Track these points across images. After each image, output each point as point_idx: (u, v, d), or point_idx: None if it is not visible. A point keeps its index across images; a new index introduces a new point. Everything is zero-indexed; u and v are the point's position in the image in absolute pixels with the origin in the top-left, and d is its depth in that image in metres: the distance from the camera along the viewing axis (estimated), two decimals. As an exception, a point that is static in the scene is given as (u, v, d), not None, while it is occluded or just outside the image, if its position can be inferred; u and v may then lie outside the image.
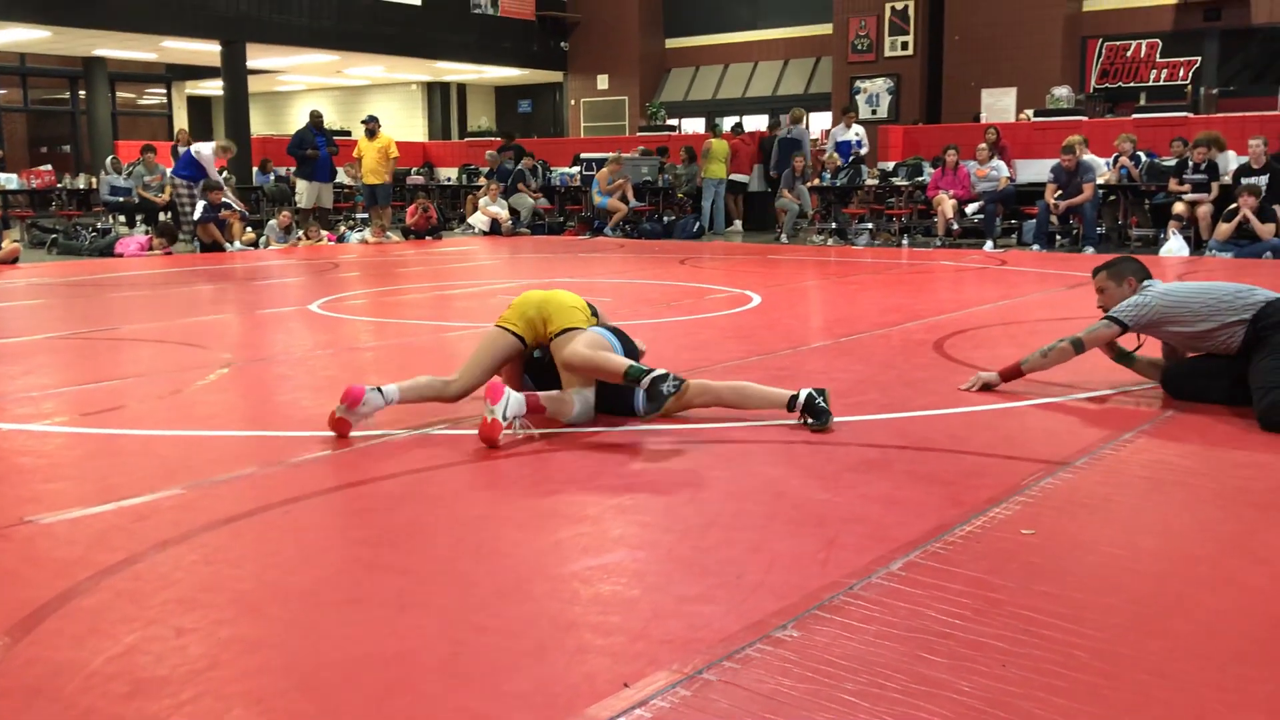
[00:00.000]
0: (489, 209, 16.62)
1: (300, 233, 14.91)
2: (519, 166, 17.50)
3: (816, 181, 15.28)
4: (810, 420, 4.04)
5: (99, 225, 15.10)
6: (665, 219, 16.30)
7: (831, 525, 2.97)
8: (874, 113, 19.20)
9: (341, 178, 17.34)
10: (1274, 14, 17.19)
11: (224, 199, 13.86)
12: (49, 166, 17.36)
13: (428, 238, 15.80)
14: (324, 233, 15.26)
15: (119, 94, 23.97)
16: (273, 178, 17.71)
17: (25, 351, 6.23)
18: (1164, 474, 3.50)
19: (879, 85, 19.69)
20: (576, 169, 17.83)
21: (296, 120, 22.91)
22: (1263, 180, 11.54)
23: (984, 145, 13.71)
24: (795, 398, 4.07)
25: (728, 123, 18.62)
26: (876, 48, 19.68)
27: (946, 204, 13.43)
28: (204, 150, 14.18)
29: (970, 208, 13.58)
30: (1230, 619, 2.37)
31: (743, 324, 6.91)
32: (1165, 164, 12.91)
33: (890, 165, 15.63)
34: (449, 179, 20.18)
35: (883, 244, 14.02)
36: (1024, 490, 3.26)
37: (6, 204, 16.12)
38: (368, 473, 3.60)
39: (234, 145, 15.08)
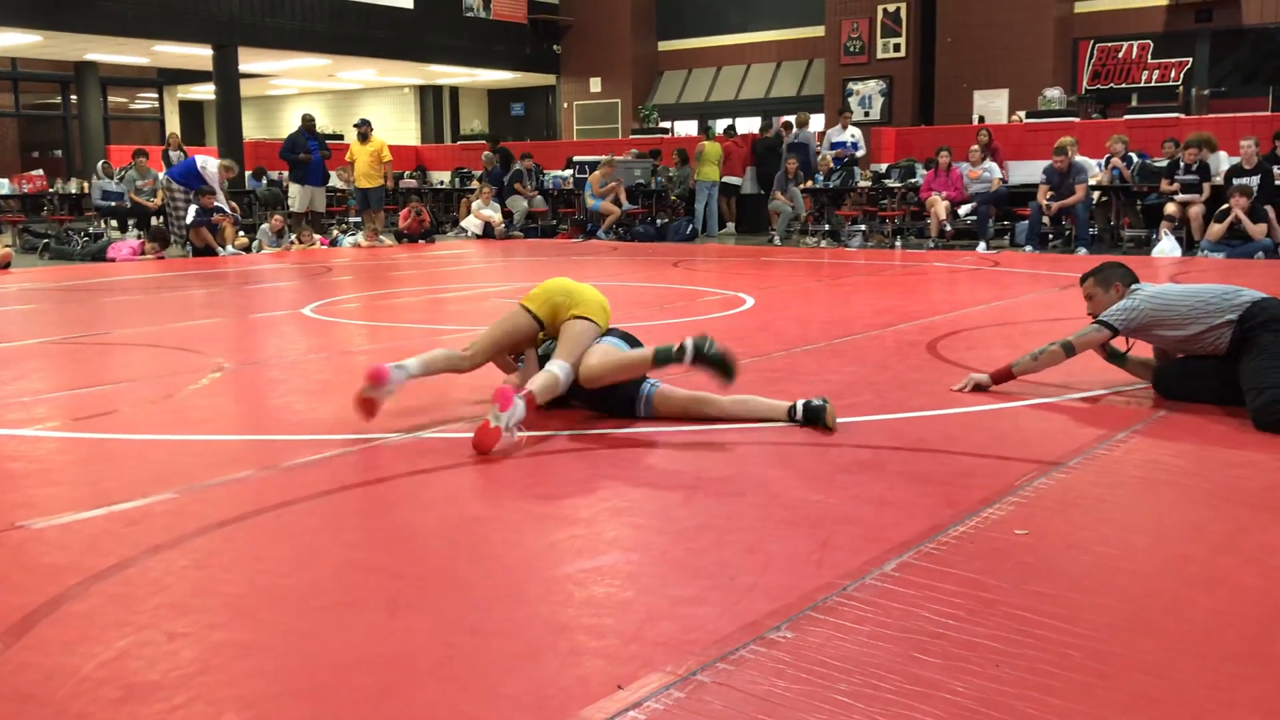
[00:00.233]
0: (482, 212, 16.61)
1: (293, 237, 14.89)
2: (516, 168, 17.50)
3: (810, 184, 15.30)
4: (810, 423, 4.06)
5: (91, 230, 15.05)
6: (658, 221, 16.30)
7: (825, 526, 2.97)
8: (866, 114, 19.21)
9: (334, 181, 17.32)
10: (1265, 15, 17.25)
11: (216, 203, 13.84)
12: (40, 171, 17.33)
13: (421, 241, 15.79)
14: (317, 237, 15.22)
15: (111, 98, 23.92)
16: (265, 181, 17.69)
17: (17, 356, 6.21)
18: (1157, 474, 3.51)
19: (871, 87, 19.71)
20: (569, 172, 17.83)
21: (289, 124, 22.88)
22: (1254, 181, 11.58)
23: (976, 147, 13.74)
24: (794, 409, 4.07)
25: (720, 125, 18.63)
26: (869, 50, 19.70)
27: (939, 205, 13.45)
28: (210, 167, 14.20)
29: (963, 209, 13.60)
30: (1223, 618, 2.37)
31: (736, 326, 6.91)
32: (1157, 165, 12.94)
33: (883, 167, 15.65)
34: (442, 182, 20.17)
35: (876, 246, 14.03)
36: (1017, 490, 3.26)
37: (-2, 209, 16.09)
38: (360, 476, 3.60)
39: (235, 166, 15.47)
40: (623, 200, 16.17)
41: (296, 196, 15.63)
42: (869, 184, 15.08)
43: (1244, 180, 11.59)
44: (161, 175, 15.24)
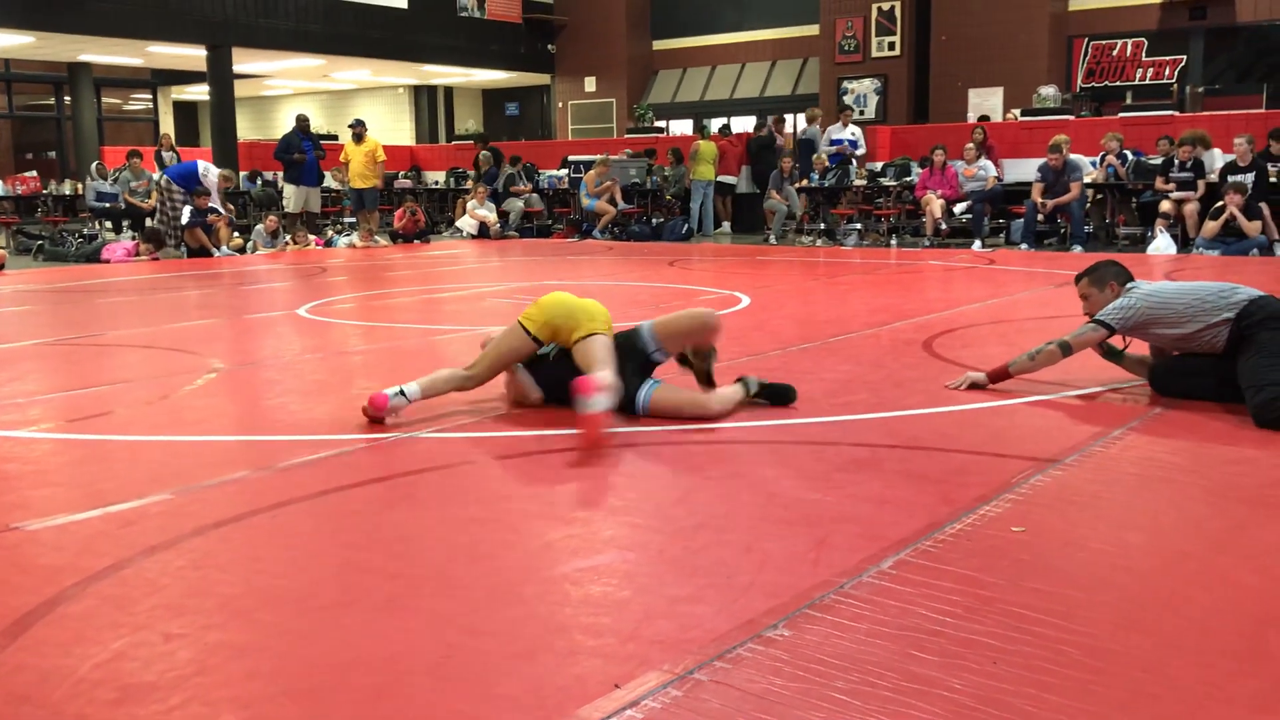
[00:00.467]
0: (477, 212, 16.60)
1: (288, 237, 14.87)
2: (509, 171, 17.49)
3: (805, 182, 15.31)
4: (770, 399, 4.40)
5: (85, 231, 15.03)
6: (653, 221, 16.30)
7: (822, 524, 2.97)
8: (861, 113, 19.22)
9: (329, 182, 17.30)
10: (1259, 12, 17.27)
11: (210, 204, 13.82)
12: (34, 172, 17.27)
13: (415, 241, 15.78)
14: (311, 237, 15.21)
15: (104, 99, 23.87)
16: (260, 182, 17.66)
17: (12, 358, 6.20)
18: (1153, 471, 3.51)
19: (866, 86, 19.72)
20: (564, 171, 17.82)
21: (283, 124, 22.83)
22: (1249, 178, 11.60)
23: (971, 145, 13.75)
24: (746, 385, 4.38)
25: (715, 124, 18.62)
26: (863, 48, 19.71)
27: (934, 204, 13.46)
28: (210, 175, 14.19)
29: (958, 207, 13.61)
30: (1220, 615, 2.37)
31: (732, 325, 6.90)
32: (1152, 162, 12.95)
33: (878, 165, 15.65)
34: (437, 182, 20.15)
35: (871, 244, 14.04)
36: (1014, 488, 3.26)
37: (-8, 210, 16.05)
38: (356, 476, 3.59)
39: (234, 176, 15.91)
40: (618, 200, 16.17)
41: (291, 197, 15.60)
42: (864, 183, 15.09)
43: (1239, 177, 11.61)
44: (159, 175, 15.22)
